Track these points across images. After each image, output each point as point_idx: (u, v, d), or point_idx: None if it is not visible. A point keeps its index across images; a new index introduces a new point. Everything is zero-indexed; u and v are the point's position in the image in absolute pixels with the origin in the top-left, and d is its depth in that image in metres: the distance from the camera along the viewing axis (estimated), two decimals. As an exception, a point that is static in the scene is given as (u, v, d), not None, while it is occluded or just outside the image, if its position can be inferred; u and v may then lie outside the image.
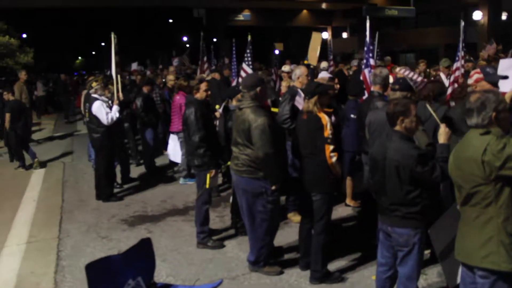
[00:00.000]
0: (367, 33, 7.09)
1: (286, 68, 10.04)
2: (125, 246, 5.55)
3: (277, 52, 29.11)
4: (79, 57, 74.17)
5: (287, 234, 5.77)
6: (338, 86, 6.89)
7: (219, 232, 6.04)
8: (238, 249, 5.51)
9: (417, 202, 3.55)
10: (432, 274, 4.76)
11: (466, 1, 23.31)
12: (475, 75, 5.06)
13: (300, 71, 6.24)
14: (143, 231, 6.20)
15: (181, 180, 8.47)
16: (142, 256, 2.69)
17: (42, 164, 10.36)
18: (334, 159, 4.38)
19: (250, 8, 29.23)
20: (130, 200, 7.65)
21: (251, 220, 4.76)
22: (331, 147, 4.36)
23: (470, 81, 5.01)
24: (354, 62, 12.87)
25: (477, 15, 23.26)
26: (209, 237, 5.65)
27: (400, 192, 3.55)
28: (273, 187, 4.55)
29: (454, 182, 3.12)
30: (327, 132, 4.36)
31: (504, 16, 23.21)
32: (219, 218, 6.58)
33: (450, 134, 3.64)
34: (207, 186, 5.48)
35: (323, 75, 6.64)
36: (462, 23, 6.90)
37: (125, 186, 8.38)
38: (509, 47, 12.28)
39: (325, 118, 4.40)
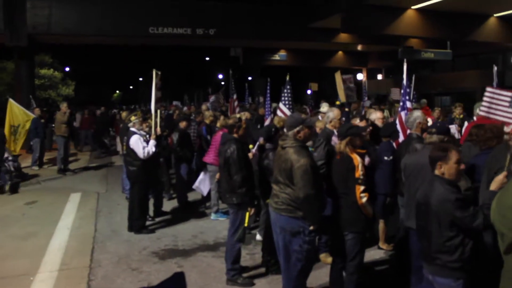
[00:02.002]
0: (404, 75, 7.09)
1: (324, 108, 10.02)
2: (155, 279, 5.58)
3: (309, 92, 29.35)
4: (117, 91, 76.36)
5: (318, 275, 5.67)
6: (371, 128, 6.87)
7: (249, 270, 5.99)
8: (269, 287, 5.44)
9: (458, 250, 3.45)
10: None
11: (505, 45, 23.08)
12: None
13: (333, 115, 6.28)
14: (173, 265, 6.19)
15: (213, 216, 8.48)
16: (175, 289, 2.69)
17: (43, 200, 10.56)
18: (364, 199, 4.37)
19: (286, 49, 29.68)
20: (162, 233, 7.69)
21: (286, 259, 4.69)
22: (362, 187, 4.37)
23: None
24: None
25: (515, 59, 23.05)
26: (239, 275, 5.60)
27: (440, 238, 3.48)
28: (311, 227, 4.49)
29: (496, 229, 3.02)
30: (359, 172, 4.38)
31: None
32: (250, 255, 6.52)
33: (505, 183, 3.55)
34: (246, 224, 5.52)
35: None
36: (495, 68, 6.87)
37: (157, 220, 8.45)
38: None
39: (357, 159, 4.44)
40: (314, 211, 4.44)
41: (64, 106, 14.41)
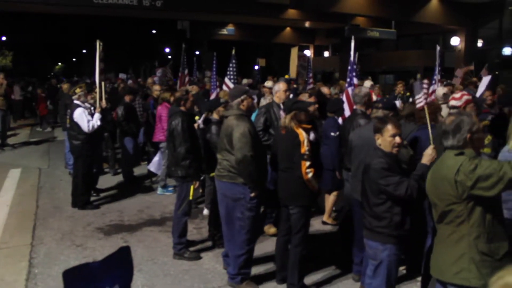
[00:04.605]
0: (351, 53, 7.21)
1: (269, 83, 10.12)
2: (100, 254, 5.50)
3: (256, 67, 29.33)
4: (59, 63, 73.35)
5: (264, 246, 5.79)
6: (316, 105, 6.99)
7: (196, 244, 6.02)
8: (215, 261, 5.49)
9: (385, 216, 3.67)
10: (406, 291, 4.83)
11: (445, 27, 23.88)
12: (464, 97, 5.24)
13: (278, 87, 6.37)
14: (119, 240, 6.12)
15: (159, 190, 8.41)
16: (120, 264, 2.65)
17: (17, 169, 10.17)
18: (310, 175, 4.45)
19: (234, 23, 29.45)
20: (107, 208, 7.55)
21: (229, 227, 4.80)
22: (308, 163, 4.43)
23: (458, 103, 5.16)
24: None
25: (455, 41, 23.85)
26: (186, 249, 5.62)
27: (369, 204, 3.75)
28: (252, 194, 4.60)
29: (430, 200, 3.21)
30: (304, 148, 4.43)
31: (480, 43, 23.84)
32: (197, 230, 6.55)
33: (434, 158, 3.74)
34: (191, 197, 5.52)
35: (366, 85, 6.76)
36: (438, 48, 7.12)
37: (102, 195, 8.28)
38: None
39: (302, 135, 4.47)
40: (252, 174, 4.54)
41: (0, 78, 13.65)
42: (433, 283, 3.71)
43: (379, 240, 3.72)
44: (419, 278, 4.77)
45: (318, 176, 4.91)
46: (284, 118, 4.68)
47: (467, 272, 2.94)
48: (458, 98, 5.38)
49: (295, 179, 4.50)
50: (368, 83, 9.98)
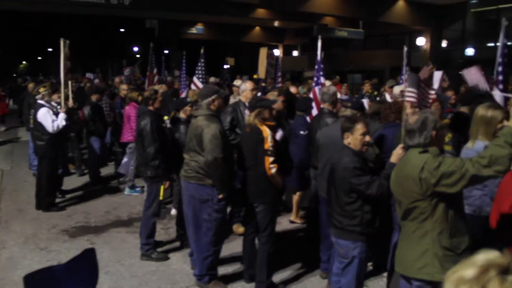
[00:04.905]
0: (318, 52, 7.27)
1: (237, 82, 10.13)
2: (66, 258, 5.37)
3: (226, 66, 29.26)
4: (24, 62, 71.55)
5: (232, 246, 5.78)
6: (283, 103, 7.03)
7: (164, 244, 5.97)
8: (183, 262, 5.45)
9: (356, 215, 3.71)
10: (373, 286, 4.90)
11: (411, 28, 24.38)
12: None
13: (245, 86, 6.39)
14: (85, 243, 6.01)
15: (127, 191, 8.30)
16: (85, 267, 2.61)
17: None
18: (273, 170, 4.45)
19: (203, 22, 29.33)
20: (72, 210, 7.40)
21: (196, 229, 4.76)
22: (271, 159, 4.44)
23: None
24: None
25: (421, 41, 24.39)
26: (153, 249, 5.56)
27: (341, 203, 3.76)
28: (220, 196, 4.58)
29: (395, 197, 3.27)
30: (268, 144, 4.44)
31: (444, 44, 24.42)
32: (164, 230, 6.49)
33: (402, 157, 3.80)
34: (161, 197, 5.48)
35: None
36: (405, 48, 7.26)
37: (68, 196, 8.12)
38: (450, 72, 12.94)
39: (266, 131, 4.49)
40: (222, 177, 4.52)
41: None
42: (397, 278, 3.78)
43: (350, 238, 3.75)
44: (385, 274, 4.85)
45: (288, 174, 4.95)
46: (249, 116, 4.70)
47: (430, 267, 3.00)
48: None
49: (260, 176, 4.50)
50: (327, 83, 10.04)
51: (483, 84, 5.91)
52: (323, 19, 23.24)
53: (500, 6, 20.99)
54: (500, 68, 5.84)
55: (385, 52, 26.99)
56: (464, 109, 5.62)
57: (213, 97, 4.68)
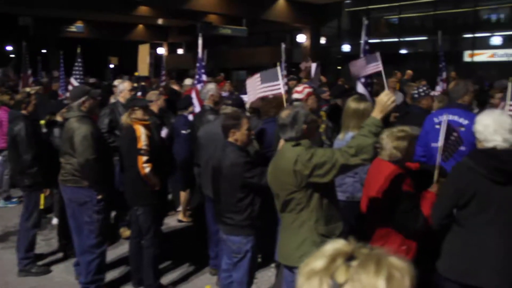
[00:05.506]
0: (199, 50, 7.28)
1: (117, 82, 9.80)
2: None
3: (111, 66, 28.22)
4: None
5: (119, 250, 5.64)
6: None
7: (45, 257, 5.64)
8: (66, 273, 5.18)
9: (248, 210, 3.76)
10: (262, 277, 5.04)
11: (292, 25, 25.31)
12: (306, 90, 5.54)
13: (123, 86, 6.25)
14: (-49, 263, 5.46)
15: (1, 203, 7.70)
16: None
17: None
18: (147, 170, 4.38)
19: (83, 20, 27.96)
20: None
21: (78, 233, 4.60)
22: (144, 158, 4.38)
23: (301, 95, 5.44)
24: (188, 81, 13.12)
25: (301, 38, 25.45)
26: (33, 264, 5.22)
27: (231, 200, 3.76)
28: (99, 196, 4.46)
29: (272, 191, 3.36)
30: (141, 143, 4.39)
31: (323, 41, 25.71)
32: (45, 241, 6.11)
33: None
34: (42, 206, 5.21)
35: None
36: (283, 45, 7.53)
37: None
38: (329, 67, 13.70)
39: (139, 130, 4.43)
40: (96, 178, 4.42)
41: None
42: (282, 269, 3.92)
43: (243, 233, 3.78)
44: (273, 265, 5.01)
45: (173, 173, 4.90)
46: (124, 116, 4.63)
47: (309, 255, 3.13)
48: (300, 91, 5.69)
49: (136, 177, 4.43)
50: (188, 81, 10.12)
51: (364, 72, 6.32)
52: (207, 17, 23.31)
53: (370, 6, 22.62)
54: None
55: (268, 49, 27.71)
56: (337, 102, 5.98)
57: (83, 98, 4.54)
